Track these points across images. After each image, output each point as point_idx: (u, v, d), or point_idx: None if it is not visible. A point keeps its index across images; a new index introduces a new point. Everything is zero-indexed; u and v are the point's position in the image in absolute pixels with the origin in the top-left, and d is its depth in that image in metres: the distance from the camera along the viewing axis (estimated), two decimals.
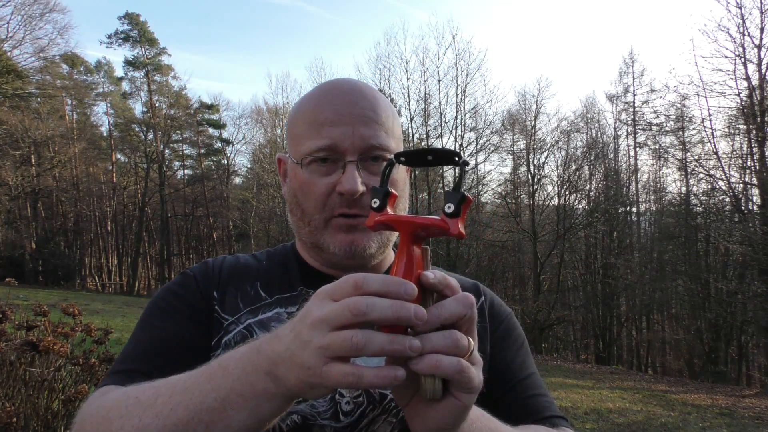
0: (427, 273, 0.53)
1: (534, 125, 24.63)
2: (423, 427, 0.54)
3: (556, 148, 24.67)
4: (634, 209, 27.00)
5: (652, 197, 27.82)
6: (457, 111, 24.92)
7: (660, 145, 24.66)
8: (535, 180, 24.16)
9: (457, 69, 24.84)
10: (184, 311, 0.80)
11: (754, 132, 16.99)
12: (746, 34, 16.84)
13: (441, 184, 26.77)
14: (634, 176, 26.99)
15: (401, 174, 0.82)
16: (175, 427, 0.56)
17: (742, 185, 18.82)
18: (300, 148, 0.79)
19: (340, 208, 0.77)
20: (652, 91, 26.32)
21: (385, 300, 0.47)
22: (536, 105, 24.56)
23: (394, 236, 0.83)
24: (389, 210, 0.59)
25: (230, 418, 0.54)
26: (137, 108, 37.71)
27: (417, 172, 25.80)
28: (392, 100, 28.15)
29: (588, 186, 24.83)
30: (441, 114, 25.35)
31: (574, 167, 24.34)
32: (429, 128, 25.76)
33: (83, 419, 0.65)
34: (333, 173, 0.77)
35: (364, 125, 0.77)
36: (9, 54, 25.60)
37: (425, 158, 0.58)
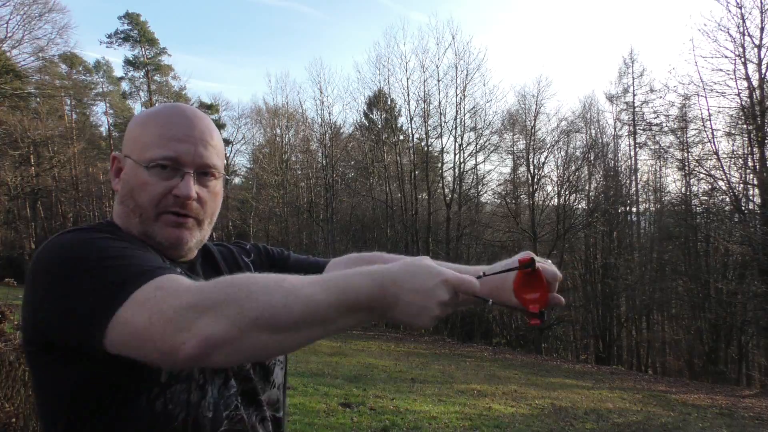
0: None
1: (534, 125, 24.62)
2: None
3: (555, 148, 24.67)
4: (633, 209, 26.99)
5: (652, 197, 27.80)
6: (456, 111, 24.92)
7: (660, 145, 24.65)
8: (535, 180, 24.15)
9: (456, 69, 24.87)
10: (143, 248, 0.88)
11: (754, 132, 16.98)
12: (746, 33, 16.85)
13: (440, 184, 26.80)
14: (634, 176, 26.97)
15: (219, 188, 1.01)
16: (313, 314, 0.71)
17: (742, 185, 18.83)
18: (146, 153, 0.93)
19: (174, 207, 0.94)
20: (652, 91, 26.32)
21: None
22: (536, 105, 24.57)
23: (207, 236, 1.03)
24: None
25: (346, 320, 0.75)
26: (137, 108, 37.69)
27: (417, 172, 25.82)
28: (392, 100, 28.22)
29: (588, 186, 24.83)
30: (441, 114, 25.37)
31: (573, 167, 24.34)
32: (429, 128, 25.79)
33: (210, 290, 0.71)
34: (171, 179, 0.93)
35: (203, 147, 0.95)
36: (8, 54, 25.57)
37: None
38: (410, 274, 0.76)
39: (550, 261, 0.97)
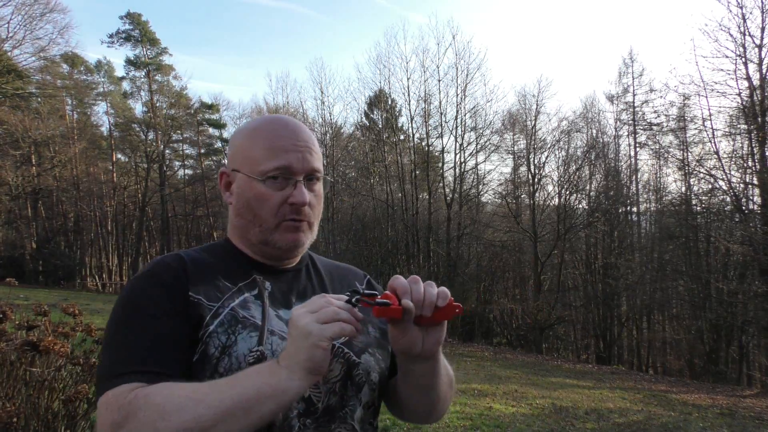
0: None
1: (534, 125, 24.61)
2: (433, 341, 0.94)
3: (556, 147, 24.64)
4: (634, 209, 26.97)
5: (652, 197, 27.80)
6: (457, 111, 24.93)
7: (660, 144, 24.62)
8: (536, 180, 24.14)
9: (457, 69, 24.86)
10: (169, 310, 0.93)
11: (754, 132, 16.96)
12: (747, 33, 16.81)
13: (441, 184, 26.79)
14: (634, 176, 26.96)
15: (322, 190, 1.09)
16: (224, 414, 0.78)
17: (742, 185, 18.79)
18: (258, 167, 1.01)
19: (291, 214, 1.02)
20: (652, 90, 26.33)
21: (342, 310, 0.85)
22: (536, 105, 24.55)
23: (315, 237, 1.10)
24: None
25: (263, 405, 0.80)
26: (138, 108, 37.76)
27: (417, 172, 25.81)
28: (392, 100, 28.23)
29: (588, 186, 24.80)
30: (441, 114, 25.38)
31: (574, 167, 24.30)
32: (429, 128, 25.79)
33: (134, 411, 0.79)
34: (285, 188, 1.01)
35: (309, 153, 1.03)
36: (9, 54, 25.60)
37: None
38: (291, 331, 0.84)
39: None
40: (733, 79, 17.43)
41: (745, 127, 17.74)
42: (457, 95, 24.88)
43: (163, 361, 0.88)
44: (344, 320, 0.84)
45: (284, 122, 1.06)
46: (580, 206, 24.87)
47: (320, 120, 29.12)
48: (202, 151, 38.74)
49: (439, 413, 1.12)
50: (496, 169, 42.28)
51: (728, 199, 18.81)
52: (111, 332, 0.93)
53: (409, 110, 25.91)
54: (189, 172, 39.89)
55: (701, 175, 19.95)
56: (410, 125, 26.72)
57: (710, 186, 19.66)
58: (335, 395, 0.99)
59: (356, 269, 1.27)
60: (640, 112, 27.17)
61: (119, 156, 38.59)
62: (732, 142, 19.65)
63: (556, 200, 24.25)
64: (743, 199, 18.55)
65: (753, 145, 17.52)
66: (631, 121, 27.50)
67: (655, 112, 25.82)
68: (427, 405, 1.09)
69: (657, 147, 24.99)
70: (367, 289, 1.17)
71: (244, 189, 1.03)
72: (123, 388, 0.83)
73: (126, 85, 37.18)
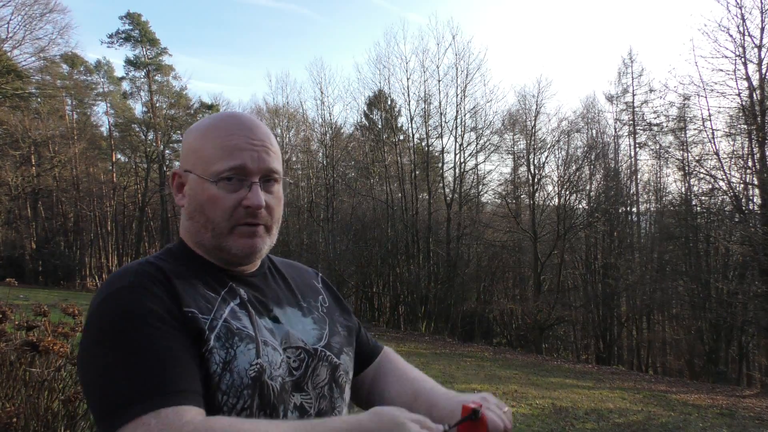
0: None
1: (534, 125, 24.59)
2: None
3: (556, 148, 24.62)
4: (634, 209, 26.97)
5: (652, 197, 27.81)
6: (457, 111, 24.92)
7: (660, 145, 24.63)
8: (535, 180, 24.13)
9: (457, 69, 24.85)
10: (172, 324, 0.83)
11: (754, 132, 16.96)
12: (746, 34, 16.81)
13: (441, 184, 26.80)
14: (634, 176, 26.95)
15: (281, 192, 1.02)
16: None
17: (742, 185, 18.79)
18: (211, 167, 0.94)
19: (245, 218, 0.94)
20: (652, 91, 26.34)
21: None
22: (536, 105, 24.52)
23: (274, 242, 1.02)
24: None
25: None
26: (137, 108, 37.74)
27: (417, 172, 25.81)
28: (392, 100, 28.22)
29: (588, 186, 24.79)
30: (441, 114, 25.36)
31: (574, 167, 24.29)
32: (429, 128, 25.78)
33: None
34: (239, 190, 0.94)
35: (265, 153, 0.96)
36: (9, 54, 25.60)
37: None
38: (378, 425, 0.77)
39: (507, 408, 0.95)
40: (732, 79, 17.44)
41: (745, 127, 17.74)
42: (457, 95, 24.90)
43: (191, 380, 0.79)
44: None
45: (239, 119, 0.98)
46: (580, 206, 24.87)
47: (320, 120, 29.13)
48: None
49: None
50: (496, 170, 42.39)
51: (728, 199, 18.82)
52: (114, 350, 0.78)
53: (409, 110, 25.90)
54: None
55: (701, 175, 19.96)
56: (410, 125, 26.72)
57: (710, 186, 19.67)
58: (325, 399, 0.97)
59: (307, 267, 1.23)
60: (640, 113, 27.19)
61: (119, 156, 38.61)
62: (732, 143, 19.68)
63: (556, 200, 24.25)
64: (743, 200, 18.57)
65: (753, 145, 17.53)
66: (630, 122, 27.51)
67: (654, 112, 25.85)
68: None
69: (657, 147, 24.99)
70: (323, 286, 1.20)
71: (196, 191, 0.95)
72: (168, 412, 0.73)
73: (126, 86, 37.18)
